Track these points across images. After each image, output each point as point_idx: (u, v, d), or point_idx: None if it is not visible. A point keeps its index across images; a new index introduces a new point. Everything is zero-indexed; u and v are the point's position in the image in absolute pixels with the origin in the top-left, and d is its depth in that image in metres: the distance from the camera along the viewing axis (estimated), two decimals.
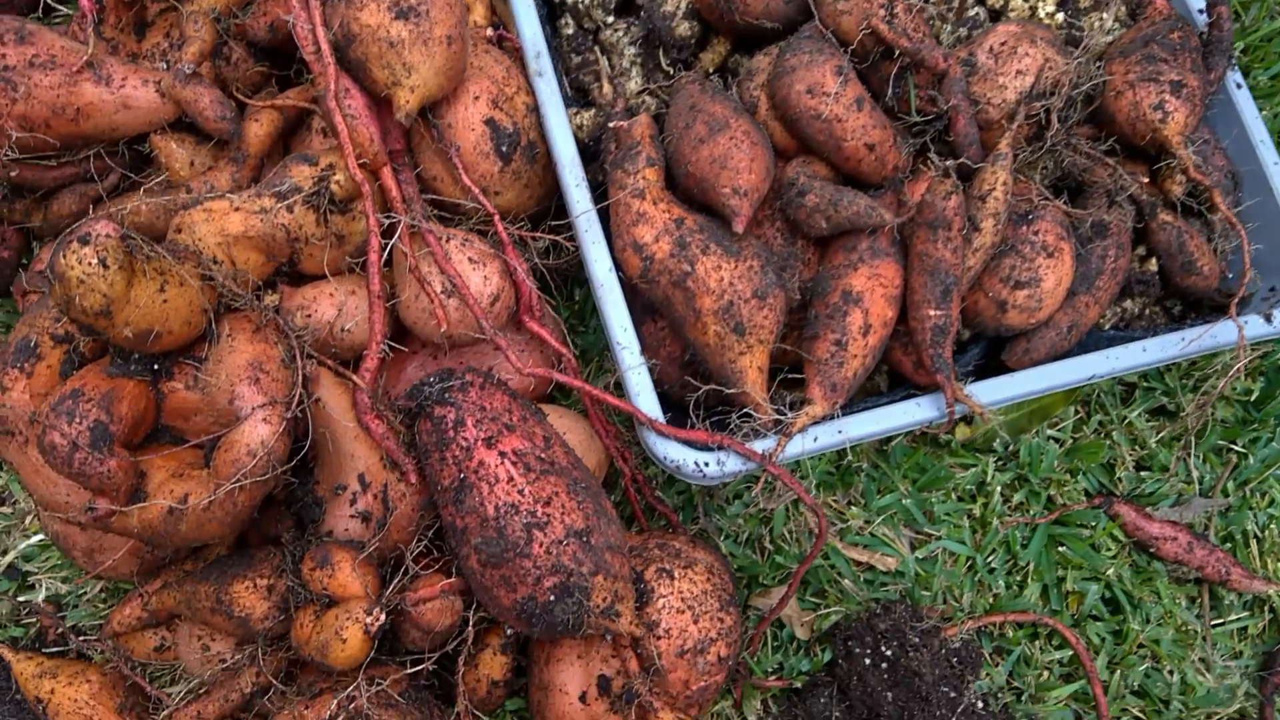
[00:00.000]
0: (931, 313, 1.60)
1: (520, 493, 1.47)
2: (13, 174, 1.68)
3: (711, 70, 1.89)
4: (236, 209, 1.57)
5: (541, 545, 1.45)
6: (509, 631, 1.60)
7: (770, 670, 1.79)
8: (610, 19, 1.86)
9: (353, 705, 1.45)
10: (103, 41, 1.79)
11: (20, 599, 1.80)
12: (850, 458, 1.90)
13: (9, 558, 1.81)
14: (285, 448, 1.44)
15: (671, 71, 1.87)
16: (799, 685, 1.77)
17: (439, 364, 1.77)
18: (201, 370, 1.46)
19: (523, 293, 1.71)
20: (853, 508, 1.88)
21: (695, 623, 1.58)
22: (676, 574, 1.61)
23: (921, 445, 1.91)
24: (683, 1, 1.79)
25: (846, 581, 1.82)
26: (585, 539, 1.48)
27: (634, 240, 1.61)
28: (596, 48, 1.87)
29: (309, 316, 1.65)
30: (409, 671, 1.53)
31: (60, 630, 1.75)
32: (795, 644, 1.81)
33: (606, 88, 1.83)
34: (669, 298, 1.61)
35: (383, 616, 1.43)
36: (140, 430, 1.45)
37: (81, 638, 1.74)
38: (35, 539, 1.81)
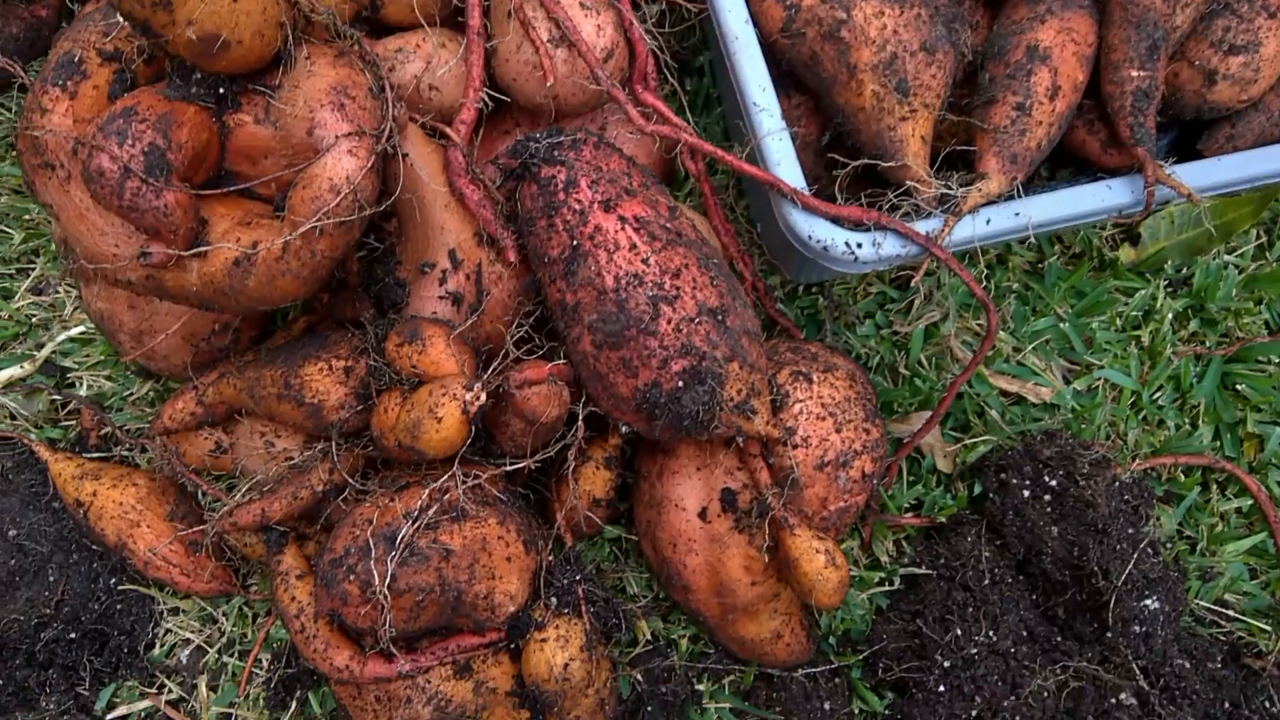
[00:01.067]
0: (1134, 74, 1.35)
1: (645, 262, 1.23)
2: None
3: None
4: None
5: (670, 322, 1.22)
6: (624, 430, 1.37)
7: (906, 507, 1.56)
8: None
9: (446, 497, 1.23)
10: None
11: (59, 396, 1.58)
12: (998, 276, 1.66)
13: (46, 350, 1.59)
14: (373, 189, 1.21)
15: None
16: (941, 521, 1.54)
17: None
18: (275, 98, 1.22)
19: (638, 53, 1.46)
20: (1000, 332, 1.64)
21: (838, 432, 1.35)
22: (815, 378, 1.38)
23: (1082, 265, 1.66)
24: None
25: (993, 412, 1.58)
26: (720, 319, 1.24)
27: None
28: None
29: (392, 71, 1.42)
30: (507, 468, 1.31)
31: (103, 431, 1.54)
32: (936, 478, 1.58)
33: None
34: (816, 55, 1.37)
35: (483, 396, 1.20)
36: (201, 168, 1.23)
37: (127, 443, 1.54)
38: (76, 330, 1.60)
